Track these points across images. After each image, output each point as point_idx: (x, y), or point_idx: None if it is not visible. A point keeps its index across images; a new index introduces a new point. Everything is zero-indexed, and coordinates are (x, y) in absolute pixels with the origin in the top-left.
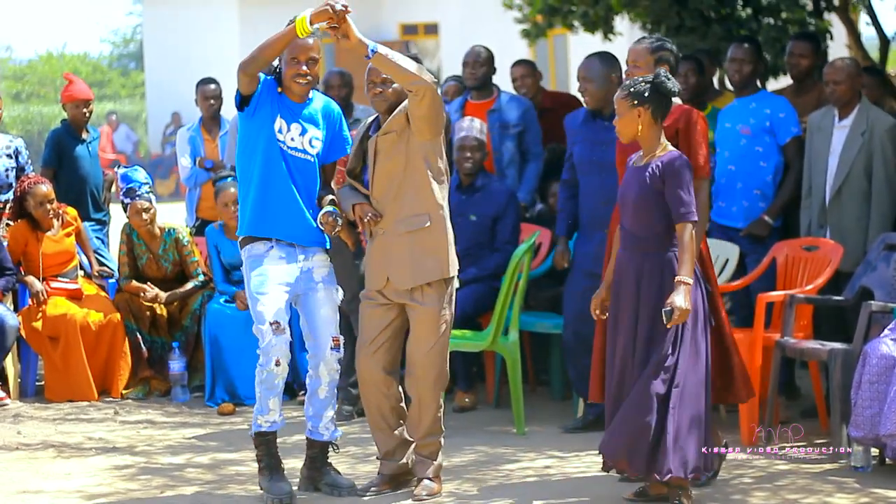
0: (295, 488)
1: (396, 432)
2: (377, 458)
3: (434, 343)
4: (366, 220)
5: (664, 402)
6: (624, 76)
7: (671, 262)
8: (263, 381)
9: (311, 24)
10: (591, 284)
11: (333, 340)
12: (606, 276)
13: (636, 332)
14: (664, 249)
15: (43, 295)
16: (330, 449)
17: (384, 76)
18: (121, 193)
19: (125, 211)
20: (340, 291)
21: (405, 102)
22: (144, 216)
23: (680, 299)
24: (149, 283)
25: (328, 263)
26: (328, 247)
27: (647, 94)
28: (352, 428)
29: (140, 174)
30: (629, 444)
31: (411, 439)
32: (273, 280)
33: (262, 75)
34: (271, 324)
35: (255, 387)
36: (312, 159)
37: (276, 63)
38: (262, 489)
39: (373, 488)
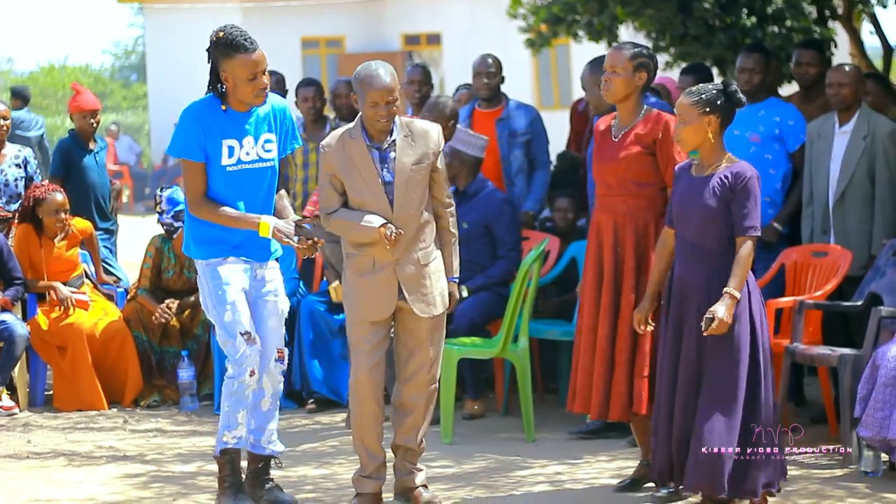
0: None
1: (382, 446)
2: (360, 476)
3: (442, 343)
4: (393, 238)
5: (746, 420)
6: (603, 81)
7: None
8: (234, 392)
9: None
10: None
11: (278, 352)
12: (650, 287)
13: (705, 345)
14: (732, 260)
15: (71, 301)
16: (272, 464)
17: (394, 97)
18: (166, 214)
19: (169, 233)
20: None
21: (429, 132)
22: None
23: (723, 310)
24: (168, 301)
25: (279, 272)
26: (278, 257)
27: (719, 102)
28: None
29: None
30: (714, 467)
31: (408, 446)
32: (236, 288)
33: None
34: (242, 334)
35: (222, 401)
36: (272, 164)
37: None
38: None
39: None
